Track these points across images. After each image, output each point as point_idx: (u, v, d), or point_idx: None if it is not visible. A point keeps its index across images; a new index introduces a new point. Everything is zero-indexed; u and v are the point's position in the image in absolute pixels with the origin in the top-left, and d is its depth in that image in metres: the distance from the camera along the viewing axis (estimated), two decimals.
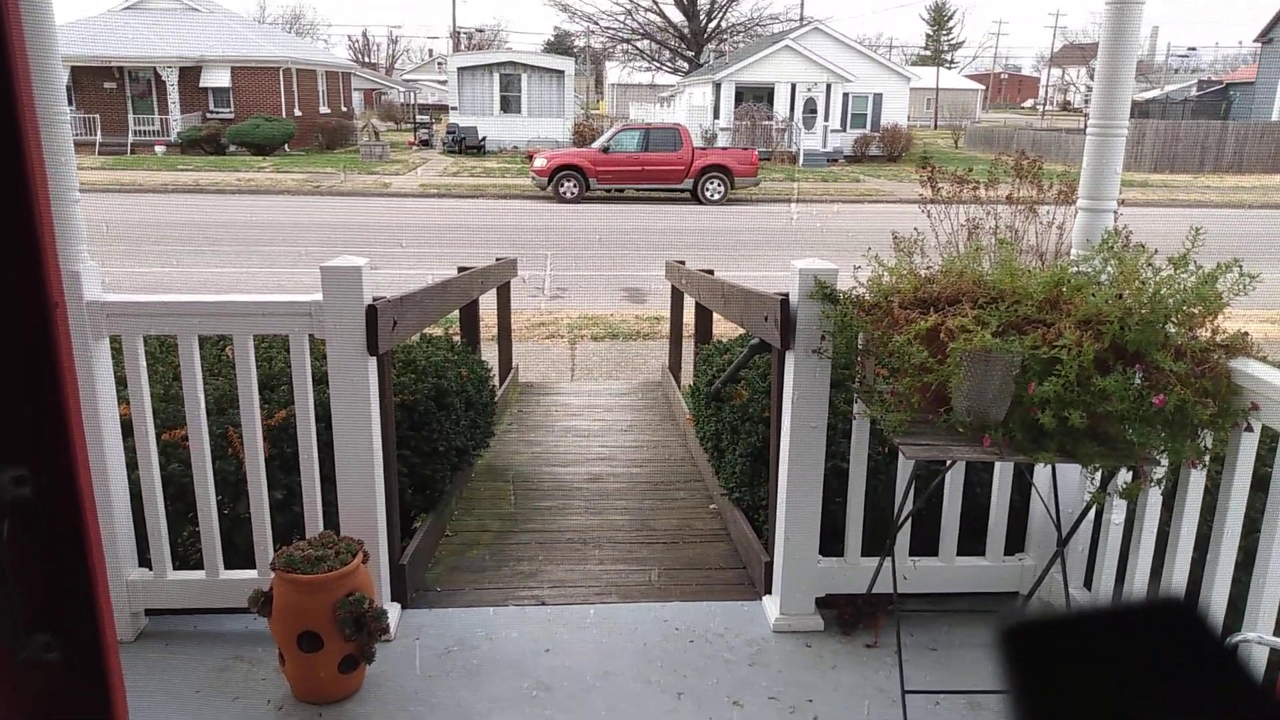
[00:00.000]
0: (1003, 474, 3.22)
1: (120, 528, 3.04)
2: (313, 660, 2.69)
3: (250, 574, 3.08)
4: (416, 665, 2.96)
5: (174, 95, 30.28)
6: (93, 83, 30.11)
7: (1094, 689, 0.28)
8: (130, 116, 30.69)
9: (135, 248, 14.25)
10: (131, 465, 3.05)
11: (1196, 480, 2.58)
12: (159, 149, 29.31)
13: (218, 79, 31.49)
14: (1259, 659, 2.27)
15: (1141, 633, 0.29)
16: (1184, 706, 0.28)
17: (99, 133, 29.40)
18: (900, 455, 3.12)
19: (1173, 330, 2.65)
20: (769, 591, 3.36)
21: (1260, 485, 2.44)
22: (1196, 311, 2.70)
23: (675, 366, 7.08)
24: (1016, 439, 2.65)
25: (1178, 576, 2.60)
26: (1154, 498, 2.73)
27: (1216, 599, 2.46)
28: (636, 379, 8.00)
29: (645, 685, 2.87)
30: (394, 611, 3.18)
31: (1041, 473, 3.18)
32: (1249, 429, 2.45)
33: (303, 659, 2.70)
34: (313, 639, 2.68)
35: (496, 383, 5.84)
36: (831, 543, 3.23)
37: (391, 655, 2.99)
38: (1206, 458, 2.52)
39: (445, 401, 3.98)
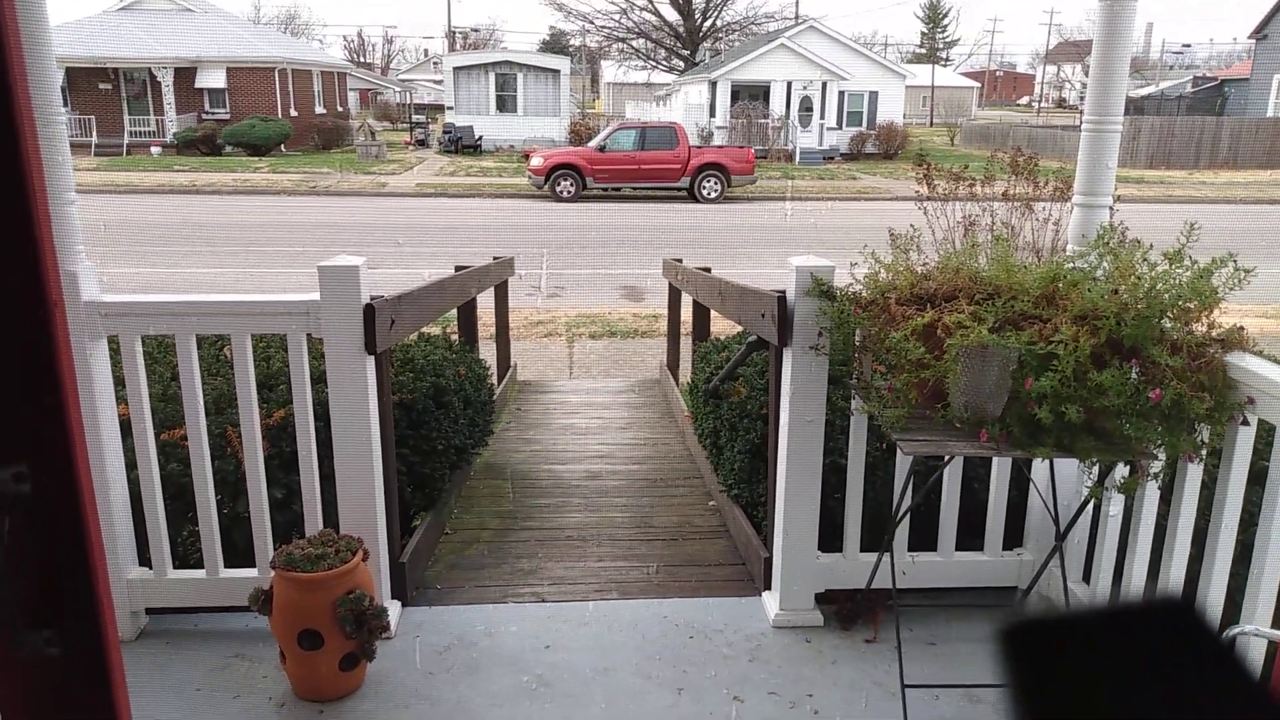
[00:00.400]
0: (1000, 469, 3.23)
1: (120, 527, 3.04)
2: (313, 658, 2.69)
3: (250, 572, 3.08)
4: (417, 662, 2.96)
5: (169, 96, 30.24)
6: (88, 84, 30.07)
7: (1094, 688, 0.28)
8: (126, 117, 30.66)
9: (132, 249, 14.24)
10: (130, 465, 3.05)
11: (1194, 474, 2.59)
12: (155, 150, 29.27)
13: (213, 80, 31.45)
14: (1256, 651, 2.28)
15: (1141, 632, 0.30)
16: (1184, 706, 0.28)
17: (94, 134, 29.36)
18: (898, 451, 3.13)
19: (1168, 325, 2.65)
20: (768, 587, 3.36)
21: (1257, 479, 2.45)
22: (1192, 306, 2.71)
23: (673, 364, 7.09)
24: (1014, 434, 2.66)
25: (1175, 570, 2.61)
26: (1151, 492, 2.73)
27: (1214, 592, 2.47)
28: (635, 377, 8.00)
29: (645, 680, 2.88)
30: (394, 609, 3.18)
31: (1039, 468, 3.19)
32: (1245, 423, 2.46)
33: (303, 657, 2.70)
34: (313, 637, 2.68)
35: (495, 381, 5.84)
36: (830, 538, 3.23)
37: (392, 652, 2.99)
38: (1203, 452, 2.52)
39: (443, 400, 3.98)
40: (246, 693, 2.80)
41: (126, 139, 30.00)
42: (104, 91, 30.52)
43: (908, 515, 3.14)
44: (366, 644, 2.73)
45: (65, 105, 26.15)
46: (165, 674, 2.90)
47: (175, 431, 3.23)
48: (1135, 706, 0.28)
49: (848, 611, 3.22)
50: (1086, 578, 3.11)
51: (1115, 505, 2.94)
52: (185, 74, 30.80)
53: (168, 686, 2.83)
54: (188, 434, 3.02)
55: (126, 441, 3.04)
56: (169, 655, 3.00)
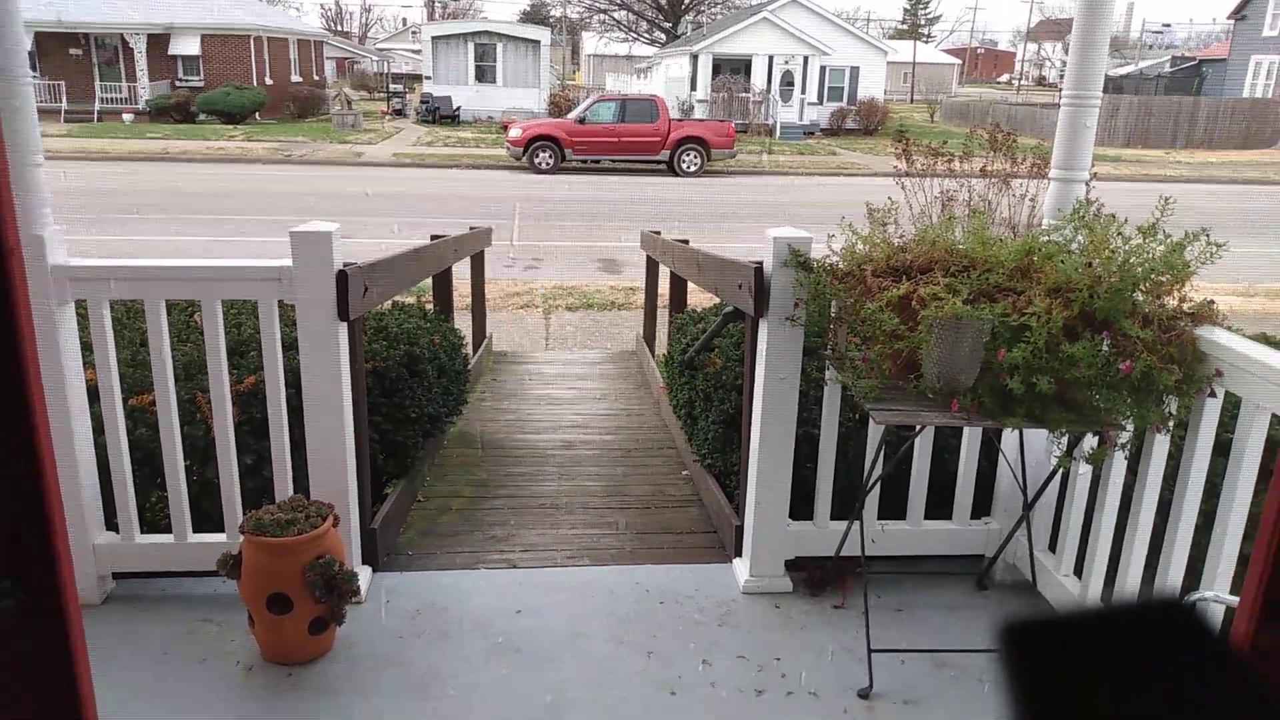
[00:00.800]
0: (971, 440, 3.26)
1: (87, 491, 3.01)
2: (282, 622, 2.68)
3: (219, 538, 3.06)
4: (387, 627, 2.96)
5: (142, 63, 29.69)
6: (58, 49, 29.45)
7: (1094, 689, 0.28)
8: (97, 84, 30.07)
9: (103, 216, 14.01)
10: (98, 431, 3.01)
11: (1160, 445, 2.62)
12: (127, 117, 28.76)
13: (187, 46, 30.88)
14: (1215, 616, 2.32)
15: (1142, 633, 0.30)
16: (1184, 707, 0.28)
17: (65, 100, 28.79)
18: (870, 421, 3.15)
19: (1141, 298, 2.68)
20: (739, 554, 3.38)
21: (1221, 451, 2.48)
22: (1165, 280, 2.73)
23: (650, 336, 7.08)
24: (985, 404, 2.68)
25: (1140, 539, 2.65)
26: (1119, 463, 2.77)
27: (1176, 560, 2.51)
28: (611, 348, 7.99)
29: (616, 645, 2.89)
30: (365, 574, 3.18)
31: (1009, 438, 3.22)
32: (1212, 395, 2.49)
33: (272, 620, 2.69)
34: (282, 601, 2.67)
35: (470, 351, 5.82)
36: (801, 507, 3.25)
37: (362, 617, 2.99)
38: (1171, 423, 2.55)
39: (417, 368, 3.96)
40: (214, 656, 2.78)
41: (98, 105, 29.44)
42: (75, 57, 29.91)
43: (878, 484, 3.16)
44: (336, 608, 2.72)
45: (34, 70, 25.63)
46: (132, 638, 2.88)
47: (144, 397, 3.19)
48: (1135, 707, 0.28)
49: (817, 578, 3.25)
50: (1053, 546, 3.15)
51: (1083, 476, 2.97)
52: (158, 40, 30.23)
53: (134, 650, 2.81)
54: (156, 400, 2.98)
55: (94, 407, 3.00)
56: (136, 619, 2.98)
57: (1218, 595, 2.06)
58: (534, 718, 2.55)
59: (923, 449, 3.21)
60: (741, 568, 3.31)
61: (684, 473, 4.45)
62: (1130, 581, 2.67)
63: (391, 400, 3.74)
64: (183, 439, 3.05)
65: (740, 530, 3.37)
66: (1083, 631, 0.29)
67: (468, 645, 2.87)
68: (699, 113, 30.77)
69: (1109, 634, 0.29)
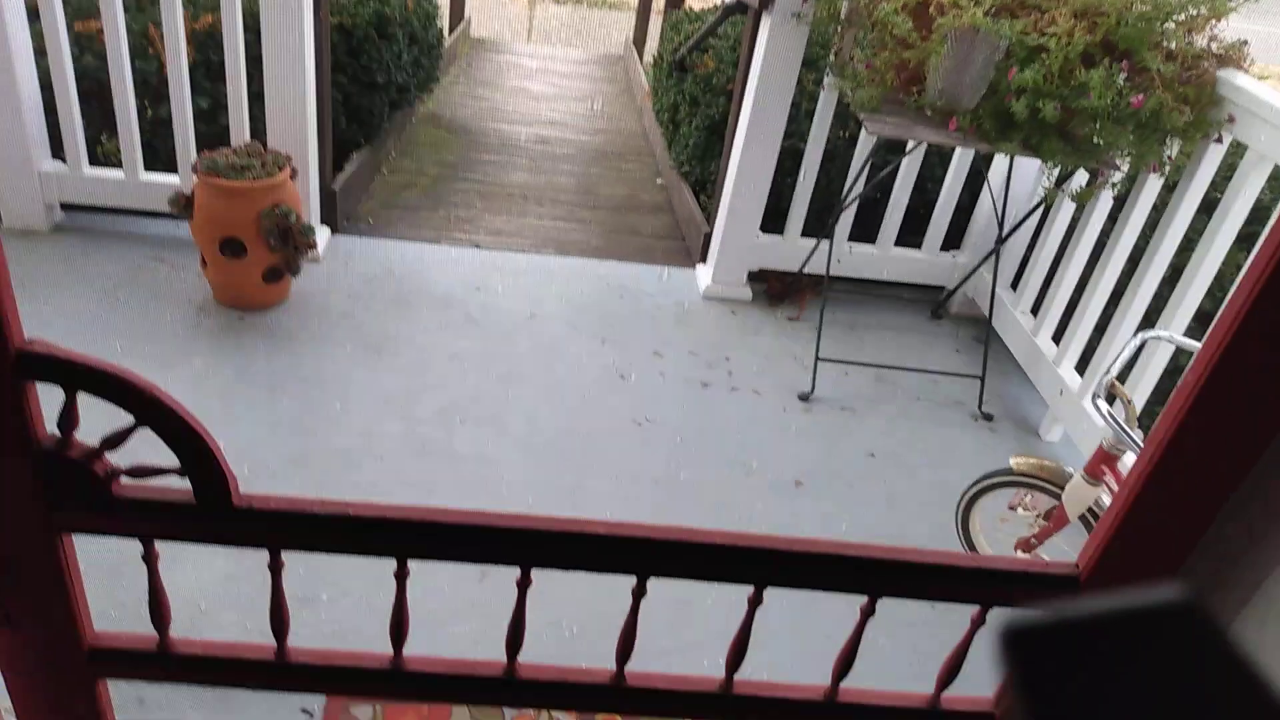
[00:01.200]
0: (958, 168, 3.15)
1: (30, 116, 2.84)
2: (235, 266, 2.63)
3: (172, 178, 2.95)
4: (345, 286, 2.93)
5: None
6: None
7: (1100, 692, 0.27)
8: None
9: None
10: (40, 53, 2.79)
11: (1150, 189, 2.54)
12: None
13: None
14: (1164, 355, 2.37)
15: (1151, 635, 0.29)
16: (1190, 711, 0.27)
17: None
18: (860, 138, 3.03)
19: (1171, 27, 2.51)
20: (704, 261, 3.36)
21: (1206, 209, 2.42)
22: (1200, 13, 2.55)
23: (640, 40, 6.68)
24: (984, 127, 2.57)
25: (1105, 282, 2.64)
26: (1103, 204, 2.70)
27: (1137, 305, 2.51)
28: (597, 50, 7.55)
29: (571, 329, 2.91)
30: (323, 234, 3.11)
31: (996, 171, 3.12)
32: (1219, 140, 2.38)
33: (225, 264, 2.63)
34: (235, 245, 2.60)
35: (446, 28, 5.44)
36: (771, 222, 3.19)
37: (319, 274, 2.95)
38: (1168, 167, 2.47)
39: (387, 31, 3.68)
40: (166, 293, 2.75)
41: None
42: None
43: (855, 204, 3.09)
44: (291, 259, 2.67)
45: None
46: (82, 268, 2.82)
47: (91, 23, 2.95)
48: (1140, 711, 0.27)
49: (777, 290, 3.25)
50: (1014, 285, 3.15)
51: (1062, 217, 2.91)
52: None
53: (85, 281, 2.76)
54: (104, 27, 2.74)
55: (34, 27, 2.76)
56: (86, 251, 2.91)
57: (1172, 336, 2.06)
58: (485, 385, 2.59)
59: (908, 172, 3.11)
60: (704, 273, 3.29)
61: (659, 181, 4.33)
62: (1086, 324, 2.69)
63: (357, 61, 3.51)
64: (134, 74, 2.84)
65: (708, 238, 3.32)
66: (1086, 634, 0.29)
67: (425, 313, 2.86)
68: None
69: (1113, 636, 0.29)
